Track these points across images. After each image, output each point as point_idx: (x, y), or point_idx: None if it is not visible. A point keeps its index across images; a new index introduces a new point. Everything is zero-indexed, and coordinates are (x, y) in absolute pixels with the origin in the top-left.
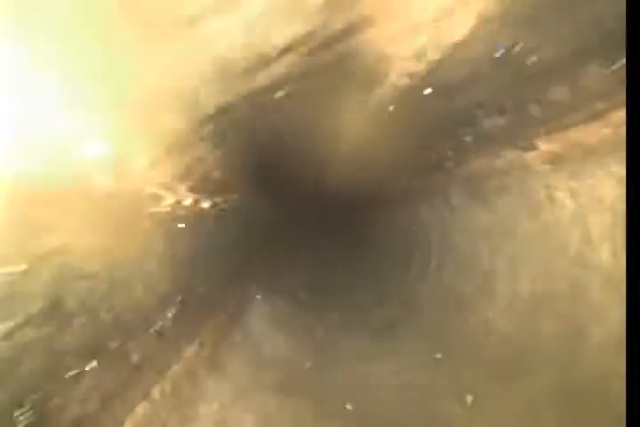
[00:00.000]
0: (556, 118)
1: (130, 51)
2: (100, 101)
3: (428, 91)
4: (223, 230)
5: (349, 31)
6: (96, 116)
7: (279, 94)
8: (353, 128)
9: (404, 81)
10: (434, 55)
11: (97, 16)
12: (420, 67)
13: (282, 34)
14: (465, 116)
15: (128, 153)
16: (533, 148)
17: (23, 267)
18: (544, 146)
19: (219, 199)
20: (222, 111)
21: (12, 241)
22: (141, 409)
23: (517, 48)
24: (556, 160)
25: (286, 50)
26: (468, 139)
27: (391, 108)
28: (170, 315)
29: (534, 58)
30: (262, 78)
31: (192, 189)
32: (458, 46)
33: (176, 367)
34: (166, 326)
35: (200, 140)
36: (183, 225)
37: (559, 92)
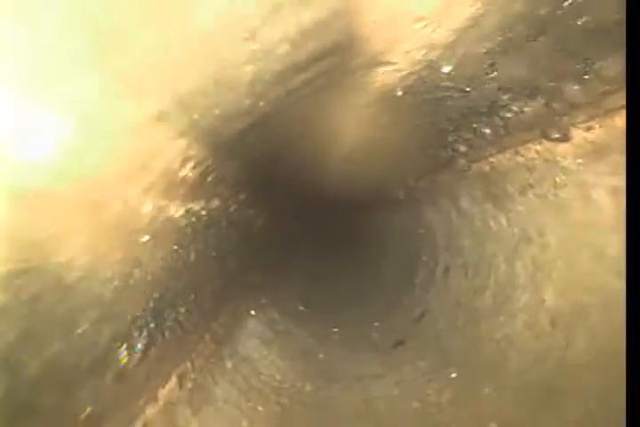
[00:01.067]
0: (599, 101)
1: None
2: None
3: (446, 69)
4: (205, 241)
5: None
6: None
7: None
8: (354, 121)
9: (418, 57)
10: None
11: None
12: (435, 40)
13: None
14: (484, 102)
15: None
16: (566, 138)
17: None
18: (579, 136)
19: (193, 206)
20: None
21: None
22: None
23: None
24: (592, 153)
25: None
26: (487, 130)
27: (399, 93)
28: (140, 346)
29: (585, 18)
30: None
31: (150, 194)
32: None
33: (150, 411)
34: (134, 363)
35: (156, 121)
36: (147, 237)
37: (608, 66)
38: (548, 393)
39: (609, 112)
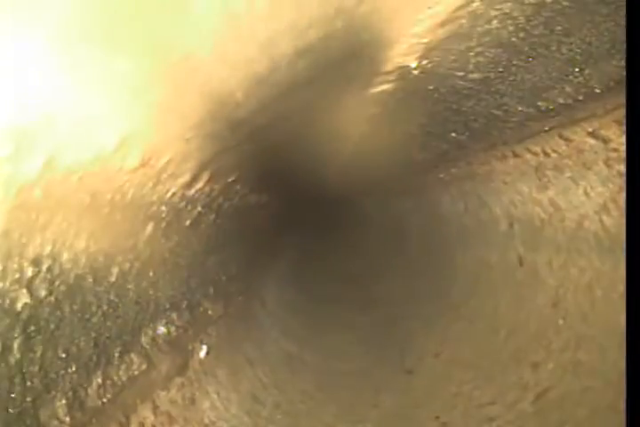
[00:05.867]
0: None
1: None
2: None
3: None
4: (208, 227)
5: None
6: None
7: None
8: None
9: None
10: None
11: None
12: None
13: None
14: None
15: None
16: None
17: None
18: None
19: (195, 194)
20: None
21: None
22: None
23: None
24: None
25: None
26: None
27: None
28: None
29: None
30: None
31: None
32: None
33: None
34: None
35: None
36: (152, 225)
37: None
38: None
39: None
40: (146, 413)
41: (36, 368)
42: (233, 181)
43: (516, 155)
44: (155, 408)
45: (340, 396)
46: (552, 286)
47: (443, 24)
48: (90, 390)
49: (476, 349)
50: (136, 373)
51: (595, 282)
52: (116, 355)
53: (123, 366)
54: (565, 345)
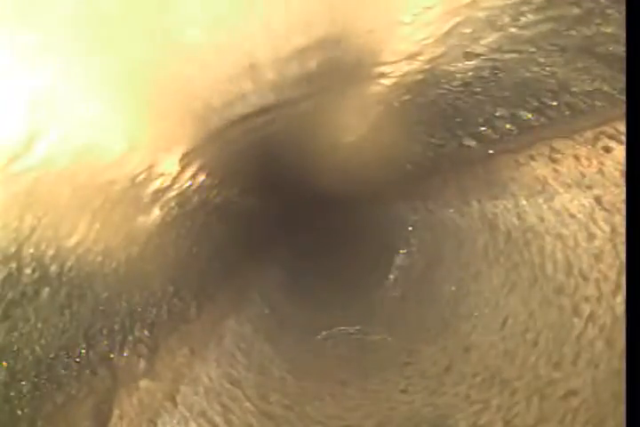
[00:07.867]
0: None
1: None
2: None
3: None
4: (205, 227)
5: None
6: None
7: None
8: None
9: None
10: None
11: None
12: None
13: None
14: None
15: None
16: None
17: None
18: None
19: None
20: None
21: None
22: None
23: None
24: None
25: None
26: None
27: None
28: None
29: None
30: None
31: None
32: None
33: None
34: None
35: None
36: (150, 220)
37: None
38: None
39: None
40: None
41: None
42: (228, 181)
43: (521, 160)
44: None
45: None
46: None
47: (440, 23)
48: None
49: None
50: None
51: None
52: None
53: None
54: None
